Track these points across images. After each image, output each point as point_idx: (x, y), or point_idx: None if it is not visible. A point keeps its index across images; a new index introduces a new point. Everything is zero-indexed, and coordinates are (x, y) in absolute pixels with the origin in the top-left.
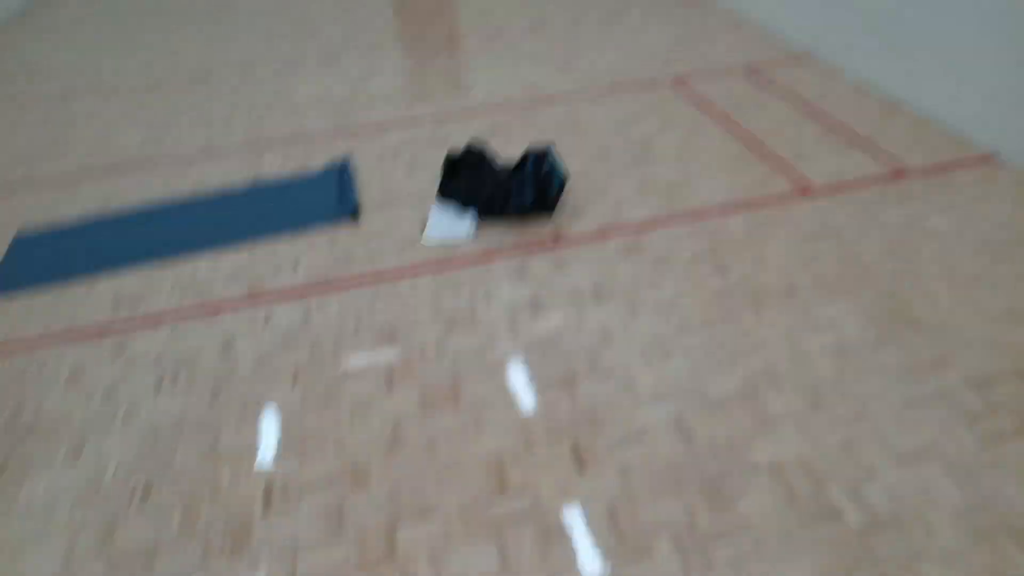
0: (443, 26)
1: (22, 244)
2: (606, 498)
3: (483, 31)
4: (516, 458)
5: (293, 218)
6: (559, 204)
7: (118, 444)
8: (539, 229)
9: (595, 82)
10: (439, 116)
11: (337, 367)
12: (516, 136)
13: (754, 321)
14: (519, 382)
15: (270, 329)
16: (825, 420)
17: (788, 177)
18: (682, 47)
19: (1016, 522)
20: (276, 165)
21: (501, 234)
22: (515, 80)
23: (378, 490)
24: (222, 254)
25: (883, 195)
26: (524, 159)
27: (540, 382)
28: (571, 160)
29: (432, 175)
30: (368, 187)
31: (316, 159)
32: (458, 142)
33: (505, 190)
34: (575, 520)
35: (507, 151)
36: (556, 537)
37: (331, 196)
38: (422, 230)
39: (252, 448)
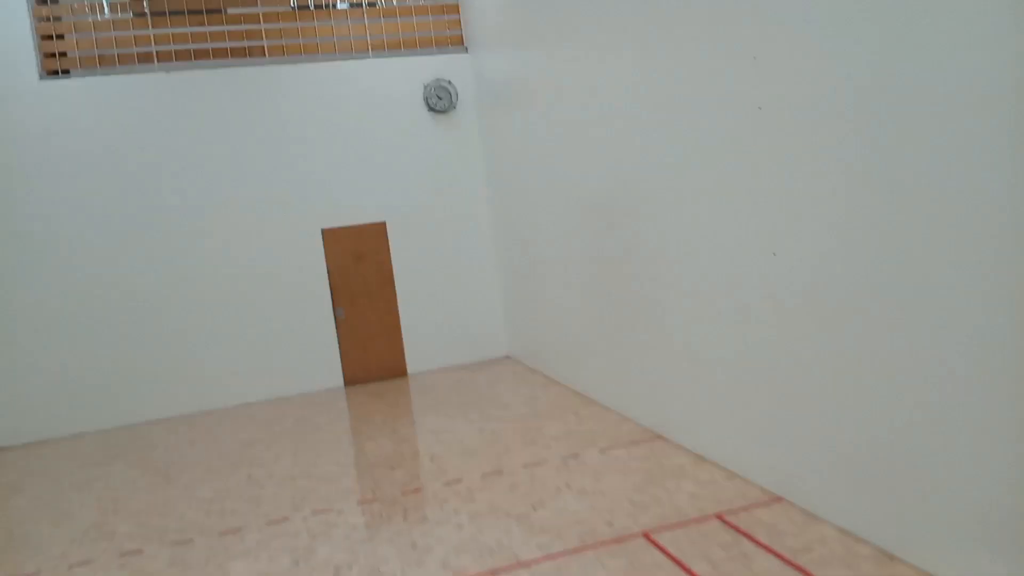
0: (400, 478)
1: None
2: None
3: (441, 481)
4: None
5: None
6: None
7: None
8: None
9: (560, 539)
10: None
11: None
12: None
13: None
14: None
15: None
16: None
17: None
18: (647, 493)
19: None
20: None
21: None
22: (475, 545)
23: None
24: None
25: None
26: None
27: None
28: None
29: None
30: None
31: None
32: None
33: None
34: None
35: None
36: None
37: None
38: None
39: None
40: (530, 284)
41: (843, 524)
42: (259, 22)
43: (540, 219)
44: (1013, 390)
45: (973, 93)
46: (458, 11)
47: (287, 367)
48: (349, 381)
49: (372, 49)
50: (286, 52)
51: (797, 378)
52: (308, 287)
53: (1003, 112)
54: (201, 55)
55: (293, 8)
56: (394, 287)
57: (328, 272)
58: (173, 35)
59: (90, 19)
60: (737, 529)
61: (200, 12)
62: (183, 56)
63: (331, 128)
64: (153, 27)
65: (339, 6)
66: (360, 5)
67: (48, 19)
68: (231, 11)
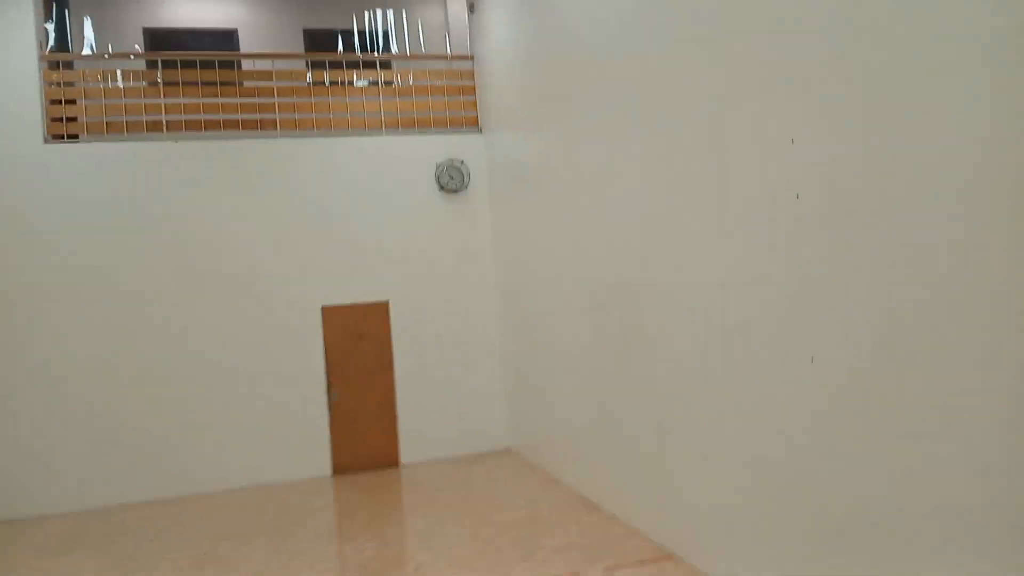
0: None
1: None
2: None
3: None
4: None
5: None
6: None
7: None
8: None
9: None
10: None
11: None
12: None
13: None
14: None
15: None
16: None
17: None
18: None
19: None
20: None
21: None
22: None
23: None
24: None
25: None
26: None
27: None
28: None
29: None
30: None
31: None
32: None
33: None
34: None
35: None
36: None
37: None
38: None
39: None
40: (534, 374)
41: None
42: (273, 95)
43: (547, 305)
44: None
45: None
46: (474, 92)
47: (273, 452)
48: (338, 470)
49: (386, 126)
50: (298, 126)
51: (835, 499)
52: (303, 366)
53: None
54: (212, 126)
55: (309, 84)
56: (393, 370)
57: (325, 351)
58: (185, 105)
59: (101, 86)
60: None
61: (214, 84)
62: (194, 126)
63: (339, 203)
64: (165, 96)
65: (356, 83)
66: (377, 83)
67: (59, 84)
68: (247, 84)
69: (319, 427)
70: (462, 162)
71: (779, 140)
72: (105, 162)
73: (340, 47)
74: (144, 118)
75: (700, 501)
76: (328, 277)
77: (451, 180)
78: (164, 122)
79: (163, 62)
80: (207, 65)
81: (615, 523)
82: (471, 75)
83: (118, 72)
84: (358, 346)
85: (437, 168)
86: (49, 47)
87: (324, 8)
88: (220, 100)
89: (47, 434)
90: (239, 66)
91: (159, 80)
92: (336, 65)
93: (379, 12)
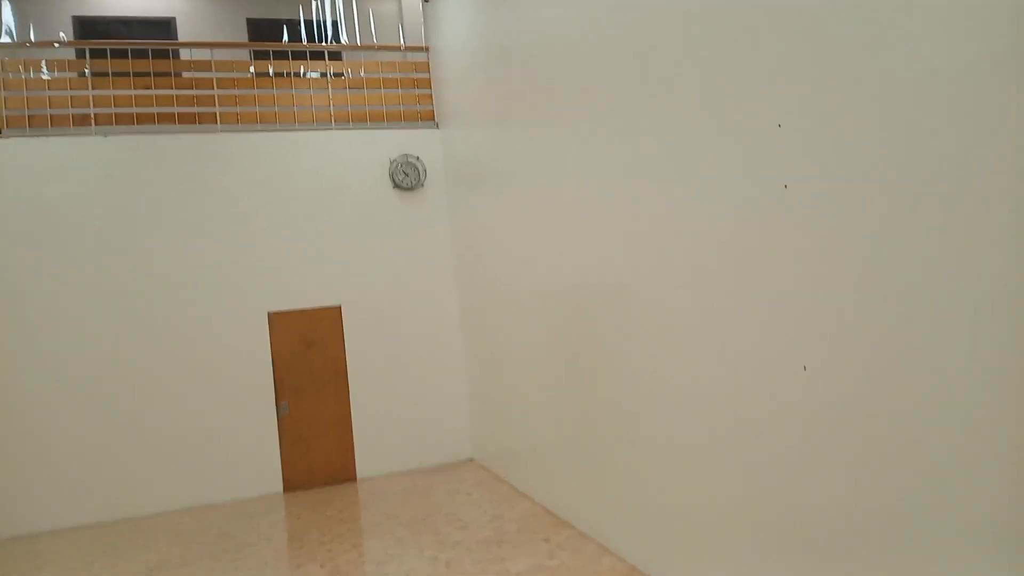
0: None
1: None
2: None
3: None
4: None
5: None
6: None
7: None
8: None
9: None
10: None
11: None
12: None
13: None
14: None
15: None
16: None
17: None
18: None
19: None
20: None
21: None
22: None
23: None
24: None
25: None
26: None
27: None
28: None
29: None
30: None
31: None
32: None
33: None
34: None
35: None
36: None
37: None
38: None
39: None
40: (497, 380)
41: None
42: (212, 87)
43: (510, 309)
44: None
45: None
46: (430, 85)
47: (219, 469)
48: (289, 486)
49: (336, 120)
50: (240, 120)
51: (821, 520)
52: (249, 377)
53: None
54: (145, 120)
55: (251, 75)
56: (347, 379)
57: (273, 360)
58: (116, 98)
59: (23, 77)
60: None
61: (148, 75)
62: (125, 120)
63: (285, 202)
64: (94, 88)
65: (306, 75)
66: (325, 75)
67: None
68: (186, 75)
69: (268, 441)
70: (417, 158)
71: (764, 125)
72: (27, 159)
73: (286, 37)
74: (71, 111)
75: (675, 519)
76: (275, 281)
77: (406, 177)
78: (93, 116)
79: (92, 51)
80: (140, 55)
81: (586, 542)
82: (426, 67)
83: (42, 62)
84: (309, 354)
85: (391, 164)
86: None
87: None
88: (154, 92)
89: None
90: (175, 56)
91: (87, 71)
92: (282, 55)
93: (328, 0)
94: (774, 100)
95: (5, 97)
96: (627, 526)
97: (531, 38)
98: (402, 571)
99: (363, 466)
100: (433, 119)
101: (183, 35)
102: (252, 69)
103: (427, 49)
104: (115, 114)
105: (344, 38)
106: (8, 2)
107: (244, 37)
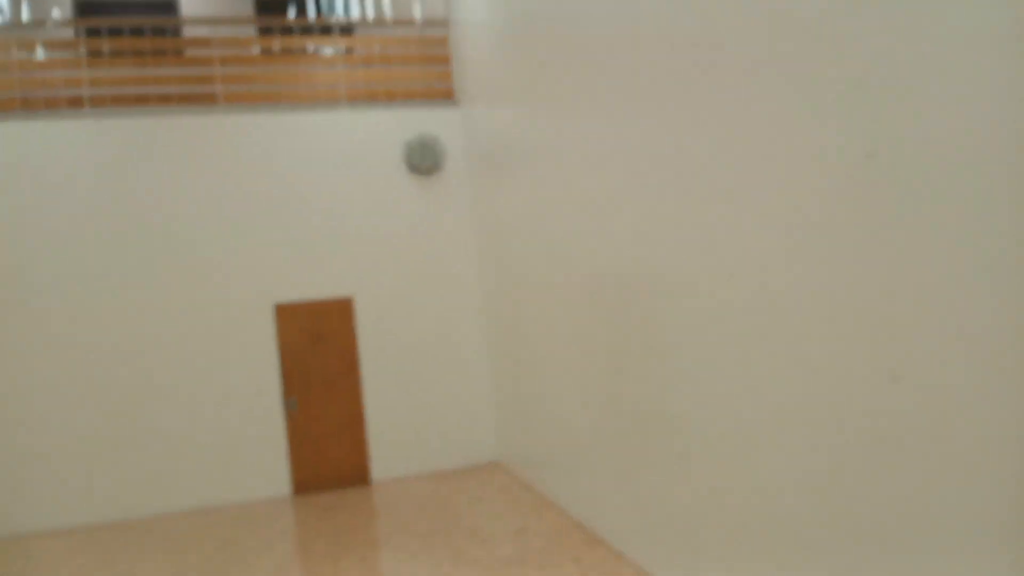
0: None
1: None
2: None
3: None
4: None
5: None
6: None
7: None
8: None
9: None
10: None
11: None
12: None
13: None
14: None
15: None
16: None
17: None
18: None
19: None
20: None
21: None
22: None
23: None
24: None
25: None
26: None
27: None
28: None
29: None
30: None
31: None
32: None
33: None
34: None
35: None
36: None
37: None
38: None
39: None
40: (525, 378)
41: None
42: (214, 65)
43: (539, 301)
44: None
45: None
46: (449, 61)
47: (223, 469)
48: (298, 489)
49: (348, 99)
50: (246, 100)
51: (894, 544)
52: (255, 372)
53: None
54: (142, 100)
55: (256, 52)
56: (359, 375)
57: (280, 355)
58: (112, 78)
59: (16, 57)
60: None
61: (143, 54)
62: (124, 101)
63: (293, 187)
64: (90, 67)
65: (316, 51)
66: (336, 51)
67: None
68: (191, 53)
69: (276, 440)
70: (435, 139)
71: (845, 80)
72: (18, 143)
73: (294, 14)
74: (63, 93)
75: (730, 543)
76: (283, 271)
77: (423, 160)
78: (84, 97)
79: (88, 30)
80: (138, 33)
81: (622, 564)
82: (445, 42)
83: (37, 44)
84: (318, 348)
85: (407, 146)
86: None
87: None
88: (154, 72)
89: None
90: (175, 33)
91: (81, 50)
92: (289, 31)
93: None
94: (856, 49)
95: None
96: (672, 549)
97: (567, 9)
98: None
99: (378, 468)
100: (452, 97)
101: (186, 15)
102: (257, 47)
103: (447, 23)
104: (112, 95)
105: (356, 11)
106: None
107: (251, 14)
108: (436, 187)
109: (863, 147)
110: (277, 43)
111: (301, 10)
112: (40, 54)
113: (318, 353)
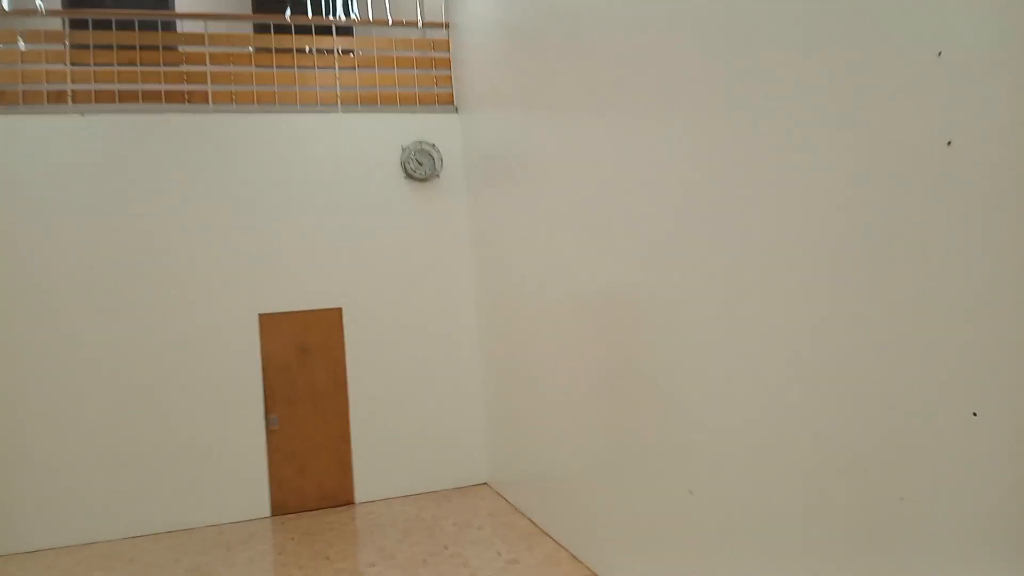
0: None
1: None
2: None
3: None
4: None
5: None
6: None
7: None
8: None
9: None
10: None
11: None
12: None
13: None
14: None
15: None
16: None
17: None
18: None
19: None
20: None
21: None
22: None
23: None
24: None
25: None
26: None
27: None
28: None
29: None
30: None
31: None
32: None
33: None
34: None
35: None
36: None
37: None
38: None
39: None
40: (520, 397)
41: None
42: (205, 63)
43: (535, 316)
44: None
45: None
46: (449, 64)
47: (199, 489)
48: (278, 510)
49: (342, 102)
50: (236, 100)
51: None
52: (236, 385)
53: None
54: (130, 97)
55: (249, 51)
56: (346, 390)
57: (263, 368)
58: (96, 73)
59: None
60: None
61: (133, 48)
62: (106, 98)
63: (282, 191)
64: (73, 63)
65: (311, 51)
66: (332, 52)
67: None
68: (181, 49)
69: (255, 459)
70: (433, 146)
71: (915, 53)
72: (13, 138)
73: (288, 11)
74: (44, 87)
75: None
76: (268, 279)
77: (419, 166)
78: (69, 92)
79: (73, 21)
80: (127, 26)
81: None
82: (445, 45)
83: (18, 34)
84: (304, 362)
85: (403, 152)
86: None
87: None
88: (140, 68)
89: None
90: (169, 28)
91: (65, 43)
92: (285, 30)
93: None
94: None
95: None
96: None
97: (567, 9)
98: None
99: (362, 489)
100: (452, 102)
101: (181, 10)
102: (251, 45)
103: (447, 25)
104: (95, 91)
105: (355, 12)
106: None
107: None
108: (432, 195)
109: (942, 134)
110: (272, 42)
111: (299, 9)
112: (21, 45)
113: (304, 366)
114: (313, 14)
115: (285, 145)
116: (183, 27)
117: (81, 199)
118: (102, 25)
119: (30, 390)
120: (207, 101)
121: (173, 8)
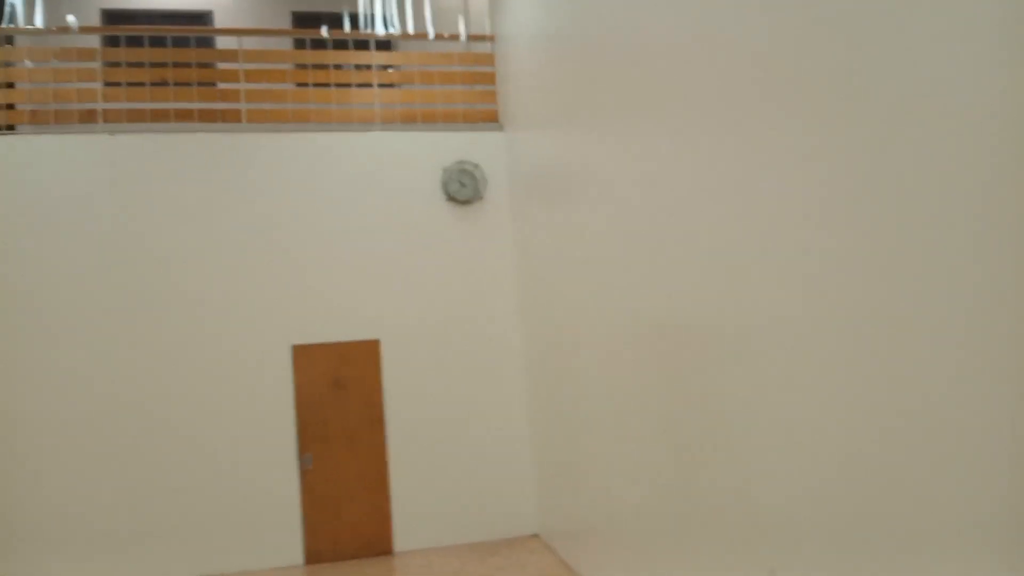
0: None
1: None
2: None
3: None
4: None
5: None
6: None
7: None
8: None
9: None
10: None
11: None
12: None
13: None
14: None
15: None
16: None
17: None
18: None
19: None
20: None
21: None
22: None
23: None
24: None
25: None
26: None
27: None
28: None
29: None
30: None
31: None
32: None
33: None
34: None
35: None
36: None
37: None
38: None
39: None
40: (572, 440)
41: None
42: (238, 80)
43: (592, 352)
44: None
45: None
46: (494, 80)
47: (228, 534)
48: (312, 558)
49: (382, 121)
50: (270, 118)
51: None
52: (267, 422)
53: None
54: (160, 116)
55: (284, 68)
56: (383, 428)
57: (296, 403)
58: (128, 91)
59: (44, 67)
60: None
61: (165, 65)
62: (139, 117)
63: (317, 215)
64: (104, 81)
65: (352, 68)
66: (369, 68)
67: None
68: (220, 66)
69: (288, 501)
70: (476, 166)
71: None
72: (25, 160)
73: (325, 28)
74: (75, 106)
75: None
76: (302, 308)
77: (462, 188)
78: (99, 111)
79: (105, 39)
80: (160, 44)
81: None
82: (490, 59)
83: (50, 53)
84: (339, 397)
85: (444, 173)
86: None
87: None
88: (173, 87)
89: None
90: (201, 45)
91: (97, 60)
92: (321, 45)
93: None
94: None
95: (30, 90)
96: None
97: (622, 21)
98: None
99: (401, 537)
100: (497, 120)
101: (212, 27)
102: (288, 61)
103: (492, 38)
104: (127, 110)
105: (396, 27)
106: None
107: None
108: (476, 219)
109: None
110: (308, 58)
111: (336, 24)
112: (53, 63)
113: (339, 402)
114: (351, 28)
115: (321, 165)
116: (217, 44)
117: (108, 223)
118: (135, 42)
119: (50, 424)
120: (240, 119)
121: (212, 24)
